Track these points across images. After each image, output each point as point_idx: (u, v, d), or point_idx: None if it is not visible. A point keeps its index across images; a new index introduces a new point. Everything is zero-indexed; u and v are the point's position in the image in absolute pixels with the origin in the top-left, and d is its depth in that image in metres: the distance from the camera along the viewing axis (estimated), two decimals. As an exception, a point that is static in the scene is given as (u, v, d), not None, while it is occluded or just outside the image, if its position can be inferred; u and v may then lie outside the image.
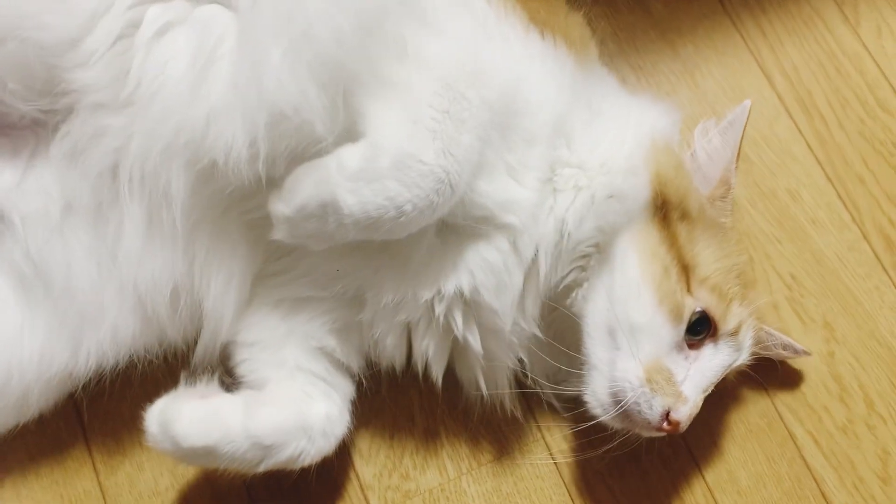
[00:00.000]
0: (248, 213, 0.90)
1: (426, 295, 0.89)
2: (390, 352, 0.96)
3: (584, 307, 0.91)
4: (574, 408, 0.97)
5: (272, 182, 0.84)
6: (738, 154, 0.95)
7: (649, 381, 0.87)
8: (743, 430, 1.05)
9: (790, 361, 1.07)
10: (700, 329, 0.90)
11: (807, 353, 1.02)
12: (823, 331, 1.09)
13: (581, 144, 0.90)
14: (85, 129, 0.85)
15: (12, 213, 0.87)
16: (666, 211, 0.90)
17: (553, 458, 1.02)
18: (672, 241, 0.90)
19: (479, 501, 1.01)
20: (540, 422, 1.04)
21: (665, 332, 0.88)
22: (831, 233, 1.13)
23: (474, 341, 0.92)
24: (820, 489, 1.03)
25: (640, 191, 0.89)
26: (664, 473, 1.03)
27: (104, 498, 0.99)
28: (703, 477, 1.03)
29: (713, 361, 0.91)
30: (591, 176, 0.89)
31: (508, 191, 0.87)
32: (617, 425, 0.91)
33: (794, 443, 1.04)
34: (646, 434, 0.91)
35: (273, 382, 0.95)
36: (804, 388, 1.07)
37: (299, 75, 0.79)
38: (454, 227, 0.88)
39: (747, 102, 0.96)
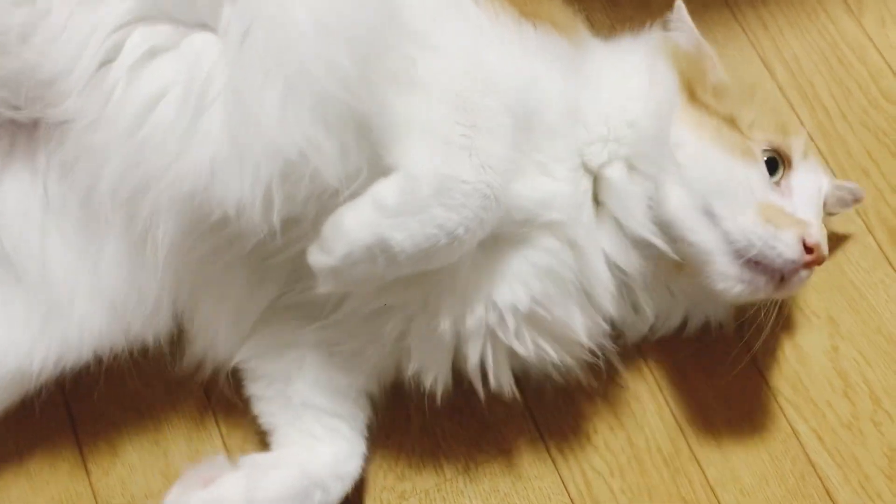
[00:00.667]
0: (261, 257, 0.88)
1: (481, 314, 0.86)
2: (432, 381, 0.93)
3: (665, 208, 0.89)
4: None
5: (290, 226, 0.82)
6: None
7: (767, 219, 0.86)
8: (745, 426, 1.03)
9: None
10: (775, 167, 0.91)
11: (862, 195, 1.05)
12: (827, 326, 1.07)
13: (596, 121, 0.89)
14: (73, 147, 0.82)
15: None
16: (692, 89, 0.93)
17: (549, 454, 1.01)
18: (707, 108, 0.92)
19: (476, 501, 0.99)
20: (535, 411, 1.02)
21: (749, 175, 0.89)
22: (835, 226, 1.11)
23: (552, 353, 0.90)
24: (824, 486, 1.00)
25: (670, 85, 0.92)
26: (665, 472, 1.01)
27: (96, 500, 0.98)
28: (705, 475, 1.01)
29: (807, 186, 0.92)
30: (626, 141, 0.89)
31: (545, 188, 0.85)
32: (759, 292, 0.88)
33: (798, 440, 1.02)
34: (790, 288, 0.89)
35: (279, 430, 0.95)
36: (807, 383, 1.04)
37: (302, 119, 0.75)
38: (494, 236, 0.85)
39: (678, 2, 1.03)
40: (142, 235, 0.83)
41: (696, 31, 1.00)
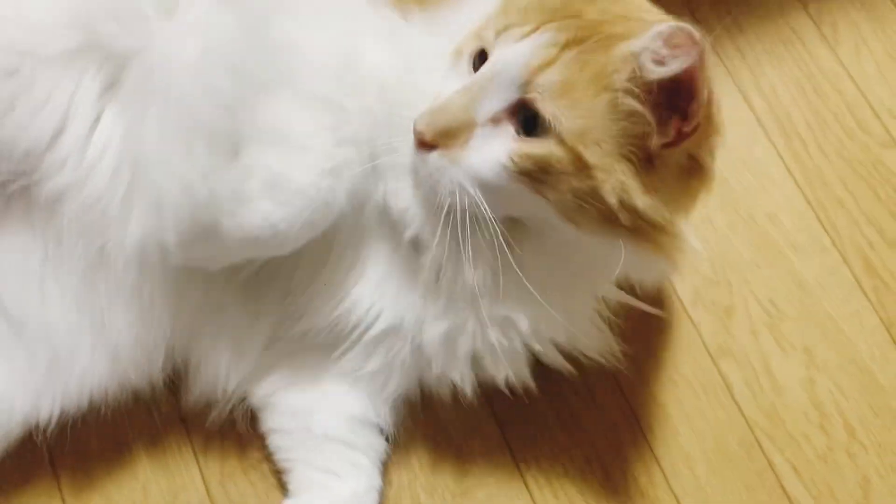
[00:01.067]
0: (245, 283, 0.90)
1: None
2: (459, 380, 0.92)
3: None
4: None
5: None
6: None
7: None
8: (721, 458, 1.03)
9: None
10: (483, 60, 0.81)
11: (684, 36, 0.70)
12: (803, 357, 1.07)
13: None
14: (61, 211, 0.84)
15: None
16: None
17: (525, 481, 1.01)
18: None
19: (452, 530, 0.99)
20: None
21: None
22: (811, 257, 1.12)
23: (534, 345, 0.90)
24: (800, 519, 1.01)
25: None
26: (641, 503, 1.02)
27: (73, 533, 0.98)
28: (682, 507, 1.02)
29: (487, 65, 0.78)
30: None
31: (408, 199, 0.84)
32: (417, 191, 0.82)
33: (774, 471, 1.03)
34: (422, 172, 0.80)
35: (297, 467, 0.96)
36: (784, 415, 1.05)
37: (200, 154, 0.77)
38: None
39: None
40: (136, 287, 0.85)
41: None
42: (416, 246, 0.86)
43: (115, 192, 0.81)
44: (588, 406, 1.04)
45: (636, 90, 0.73)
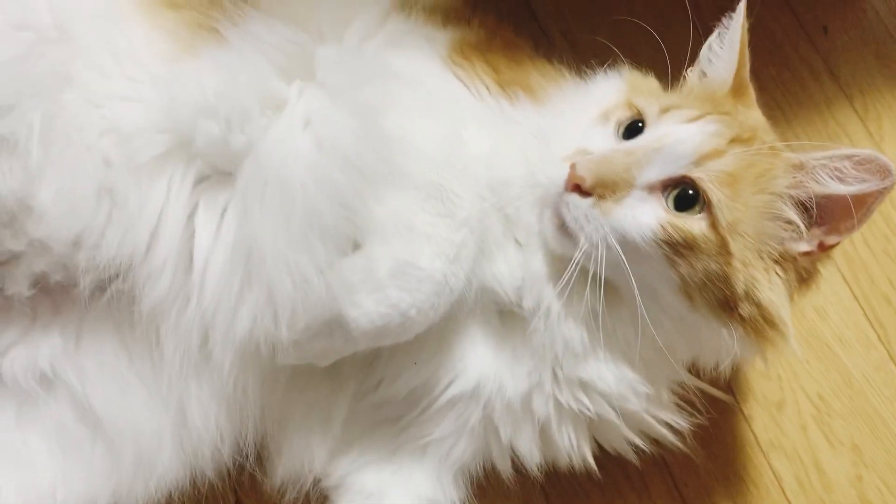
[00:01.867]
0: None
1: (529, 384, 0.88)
2: (526, 449, 0.93)
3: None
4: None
5: None
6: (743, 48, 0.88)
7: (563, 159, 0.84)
8: (773, 555, 1.05)
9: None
10: (636, 128, 0.87)
11: (888, 167, 0.77)
12: (851, 454, 1.10)
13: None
14: (166, 330, 0.85)
15: (66, 372, 0.87)
16: None
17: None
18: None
19: None
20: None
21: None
22: (858, 352, 1.14)
23: (608, 412, 0.90)
24: None
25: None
26: None
27: None
28: None
29: (650, 135, 0.84)
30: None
31: (526, 266, 0.86)
32: (548, 230, 0.84)
33: (824, 570, 1.05)
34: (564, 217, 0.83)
35: None
36: (834, 512, 1.07)
37: (316, 247, 0.79)
38: (507, 313, 0.88)
39: (741, 5, 0.89)
40: (231, 382, 0.86)
41: (737, 40, 0.89)
42: (508, 314, 0.88)
43: (219, 291, 0.82)
44: (643, 501, 1.06)
45: (794, 198, 0.80)
